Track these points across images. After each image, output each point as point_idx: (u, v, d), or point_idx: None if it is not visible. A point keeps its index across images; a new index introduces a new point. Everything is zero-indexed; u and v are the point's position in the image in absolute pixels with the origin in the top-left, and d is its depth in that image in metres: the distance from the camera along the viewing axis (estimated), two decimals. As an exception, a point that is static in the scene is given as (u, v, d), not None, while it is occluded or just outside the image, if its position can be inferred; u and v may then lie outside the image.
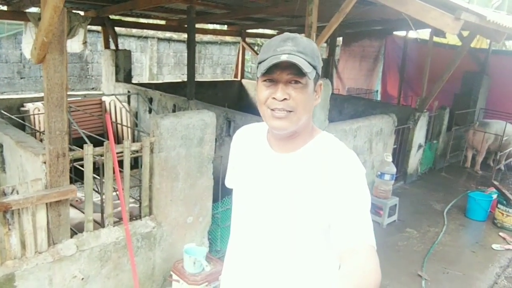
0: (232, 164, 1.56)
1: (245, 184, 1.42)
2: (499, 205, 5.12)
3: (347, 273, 1.11)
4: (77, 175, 3.63)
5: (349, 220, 1.17)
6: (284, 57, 1.16)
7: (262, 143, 1.39)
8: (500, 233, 4.93)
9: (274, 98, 1.21)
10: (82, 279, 2.68)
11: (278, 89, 1.20)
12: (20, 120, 4.95)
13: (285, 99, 1.20)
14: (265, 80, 1.23)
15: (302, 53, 1.18)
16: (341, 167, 1.24)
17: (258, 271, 1.37)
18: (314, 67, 1.21)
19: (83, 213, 2.91)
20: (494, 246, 4.63)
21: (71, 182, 2.66)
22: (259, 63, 1.23)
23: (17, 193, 2.39)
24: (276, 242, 1.32)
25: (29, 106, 5.87)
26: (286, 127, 1.23)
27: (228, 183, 1.61)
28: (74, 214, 3.27)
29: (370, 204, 1.24)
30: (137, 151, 3.07)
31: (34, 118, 5.75)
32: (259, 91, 1.26)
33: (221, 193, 3.66)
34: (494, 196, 5.35)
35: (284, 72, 1.19)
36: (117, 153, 2.83)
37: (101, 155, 2.83)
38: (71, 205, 3.24)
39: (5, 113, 4.99)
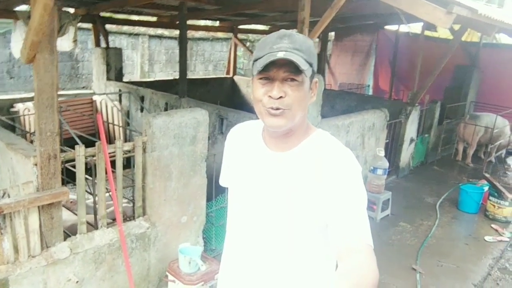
0: (226, 163, 1.55)
1: (241, 183, 1.41)
2: (490, 197, 5.17)
3: (346, 272, 1.11)
4: (69, 176, 3.60)
5: (346, 219, 1.17)
6: (281, 55, 1.15)
7: (257, 141, 1.38)
8: (492, 225, 4.98)
9: (270, 96, 1.20)
10: (77, 282, 2.66)
11: (274, 87, 1.20)
12: (9, 122, 4.89)
13: (281, 97, 1.19)
14: (261, 78, 1.22)
15: (299, 50, 1.17)
16: (337, 165, 1.24)
17: (255, 270, 1.37)
18: (310, 65, 1.20)
19: (76, 215, 2.88)
20: (487, 238, 4.67)
21: (63, 184, 2.64)
22: (255, 60, 1.22)
23: (8, 196, 2.37)
24: (273, 241, 1.32)
25: (19, 106, 5.80)
26: (282, 124, 1.23)
27: (223, 182, 1.60)
28: (67, 216, 3.25)
29: (366, 202, 1.25)
30: (129, 151, 3.04)
31: (24, 118, 5.68)
32: (254, 89, 1.25)
33: (215, 192, 3.65)
34: (486, 188, 5.41)
35: (280, 69, 1.18)
36: (109, 153, 2.81)
37: (93, 156, 2.80)
38: (64, 206, 3.21)
39: (-5, 114, 4.94)
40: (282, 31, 1.23)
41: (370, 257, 1.14)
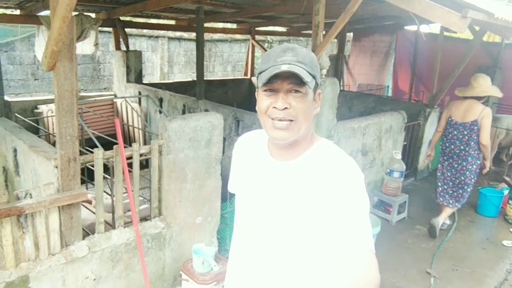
0: (234, 171, 1.60)
1: (247, 192, 1.46)
2: (510, 201, 5.08)
3: (347, 278, 1.14)
4: (89, 175, 3.72)
5: (347, 225, 1.20)
6: (285, 67, 1.18)
7: (262, 151, 1.42)
8: (511, 229, 4.89)
9: (274, 107, 1.24)
10: (94, 279, 2.76)
11: (278, 98, 1.23)
12: (33, 123, 5.06)
13: (285, 108, 1.23)
14: (265, 90, 1.26)
15: (302, 63, 1.21)
16: (340, 174, 1.26)
17: (259, 276, 1.41)
18: (314, 77, 1.24)
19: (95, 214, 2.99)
20: (505, 242, 4.60)
21: (83, 183, 2.73)
22: (259, 73, 1.26)
23: (31, 196, 2.47)
24: (276, 249, 1.36)
25: (42, 108, 6.00)
26: (287, 136, 1.26)
27: (231, 189, 1.66)
28: (86, 215, 3.37)
29: (368, 209, 1.28)
30: (146, 154, 3.13)
31: (47, 120, 5.87)
32: (259, 101, 1.29)
33: (229, 193, 3.70)
34: (506, 192, 5.31)
35: (284, 81, 1.22)
36: (126, 156, 2.90)
37: (112, 158, 2.90)
38: (83, 206, 3.33)
39: (19, 116, 5.11)
40: (285, 44, 1.27)
41: (371, 262, 1.17)
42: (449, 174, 4.71)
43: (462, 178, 4.57)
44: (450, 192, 4.72)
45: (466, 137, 4.45)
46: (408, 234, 4.68)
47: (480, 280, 3.86)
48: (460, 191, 4.63)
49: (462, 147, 4.51)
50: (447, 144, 4.66)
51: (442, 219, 4.68)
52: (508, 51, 8.33)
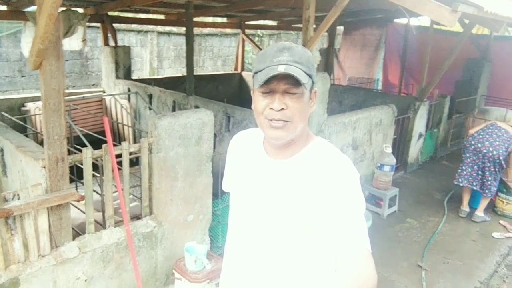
0: (229, 169, 1.59)
1: (242, 190, 1.45)
2: (499, 193, 5.13)
3: (344, 278, 1.13)
4: (79, 173, 3.68)
5: (344, 225, 1.20)
6: (281, 69, 1.17)
7: (258, 149, 1.42)
8: (501, 221, 4.96)
9: (271, 108, 1.23)
10: (86, 280, 2.74)
11: (275, 99, 1.22)
12: (20, 122, 4.99)
13: (282, 109, 1.22)
14: (262, 91, 1.24)
15: (298, 63, 1.20)
16: (335, 172, 1.26)
17: (254, 274, 1.40)
18: (310, 76, 1.23)
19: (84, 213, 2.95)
20: (494, 234, 4.65)
21: (72, 182, 2.69)
22: (255, 73, 1.24)
23: (18, 198, 2.44)
24: (272, 247, 1.35)
25: (30, 105, 5.91)
26: (283, 136, 1.26)
27: (225, 187, 1.64)
28: (76, 215, 3.33)
29: (364, 208, 1.28)
30: (136, 152, 3.10)
31: (35, 118, 5.79)
32: (256, 101, 1.28)
33: (221, 190, 3.69)
34: (495, 184, 5.35)
35: (281, 82, 1.20)
36: (116, 154, 2.86)
37: (101, 156, 2.87)
38: (73, 205, 3.29)
39: (6, 114, 5.03)
40: (282, 43, 1.25)
41: (368, 262, 1.17)
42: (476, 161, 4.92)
43: (491, 167, 4.78)
44: (477, 180, 4.89)
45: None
46: (399, 227, 4.71)
47: (471, 272, 3.90)
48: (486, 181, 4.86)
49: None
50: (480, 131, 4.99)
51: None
52: (497, 43, 8.39)
